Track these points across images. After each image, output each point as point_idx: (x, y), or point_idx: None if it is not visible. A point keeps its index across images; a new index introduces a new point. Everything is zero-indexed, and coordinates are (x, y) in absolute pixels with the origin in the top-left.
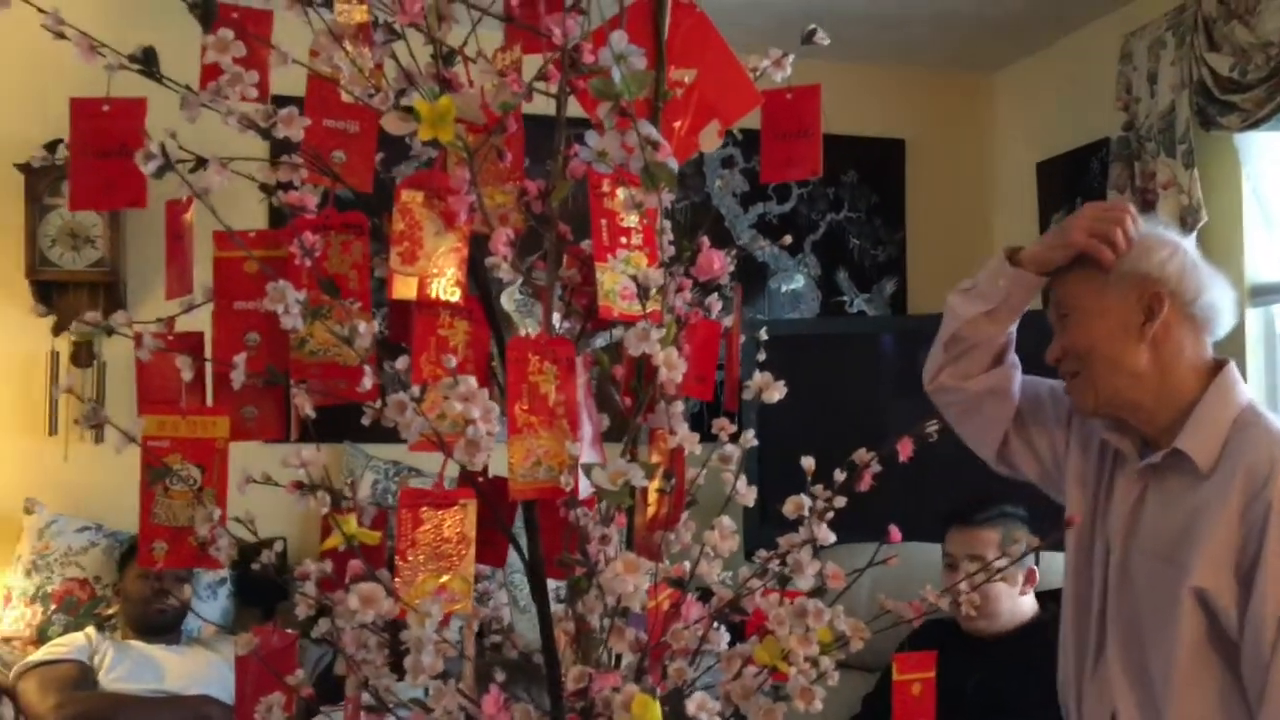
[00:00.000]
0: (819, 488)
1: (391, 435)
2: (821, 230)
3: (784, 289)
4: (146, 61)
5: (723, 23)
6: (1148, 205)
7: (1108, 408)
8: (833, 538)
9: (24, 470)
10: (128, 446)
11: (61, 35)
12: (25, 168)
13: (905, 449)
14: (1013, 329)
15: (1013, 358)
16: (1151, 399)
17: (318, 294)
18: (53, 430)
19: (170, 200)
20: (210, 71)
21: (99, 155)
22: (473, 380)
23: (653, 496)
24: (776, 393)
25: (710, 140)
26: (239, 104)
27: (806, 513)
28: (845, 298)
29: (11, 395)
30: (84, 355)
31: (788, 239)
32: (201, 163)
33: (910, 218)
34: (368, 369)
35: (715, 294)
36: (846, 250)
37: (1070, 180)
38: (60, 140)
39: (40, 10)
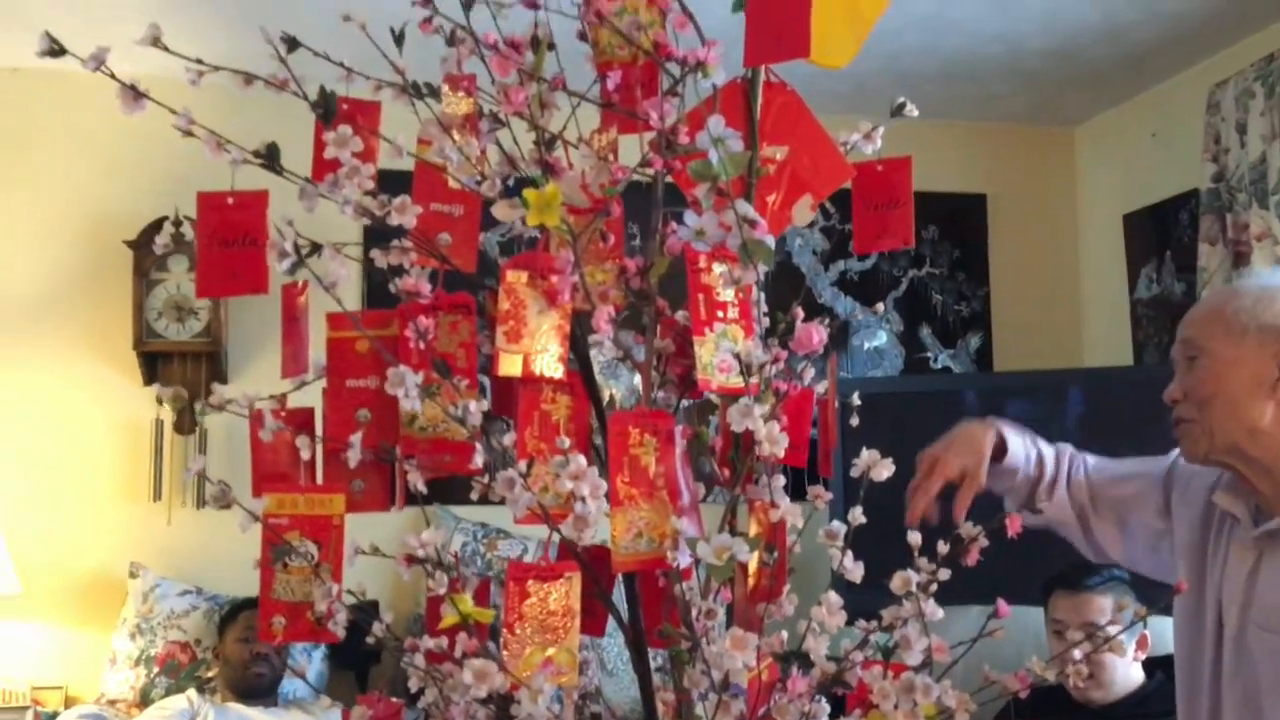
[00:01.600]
0: (923, 560)
1: (482, 498)
2: (903, 286)
3: (866, 346)
4: (270, 156)
5: (805, 89)
6: (1241, 257)
7: (1219, 457)
8: (940, 614)
9: (129, 535)
10: (230, 513)
11: (190, 133)
12: (134, 244)
13: (1014, 525)
14: (1022, 468)
15: (1061, 479)
16: (1270, 458)
17: (429, 372)
18: (156, 495)
19: (286, 284)
20: (325, 164)
21: (223, 245)
22: (582, 459)
23: (754, 569)
24: (885, 470)
25: (803, 214)
26: (354, 193)
27: (914, 588)
28: (929, 354)
29: (118, 462)
30: (186, 422)
31: (879, 308)
32: (316, 248)
33: (994, 272)
34: (478, 445)
35: (807, 362)
36: (929, 306)
37: (1159, 232)
38: (165, 218)
39: (171, 111)
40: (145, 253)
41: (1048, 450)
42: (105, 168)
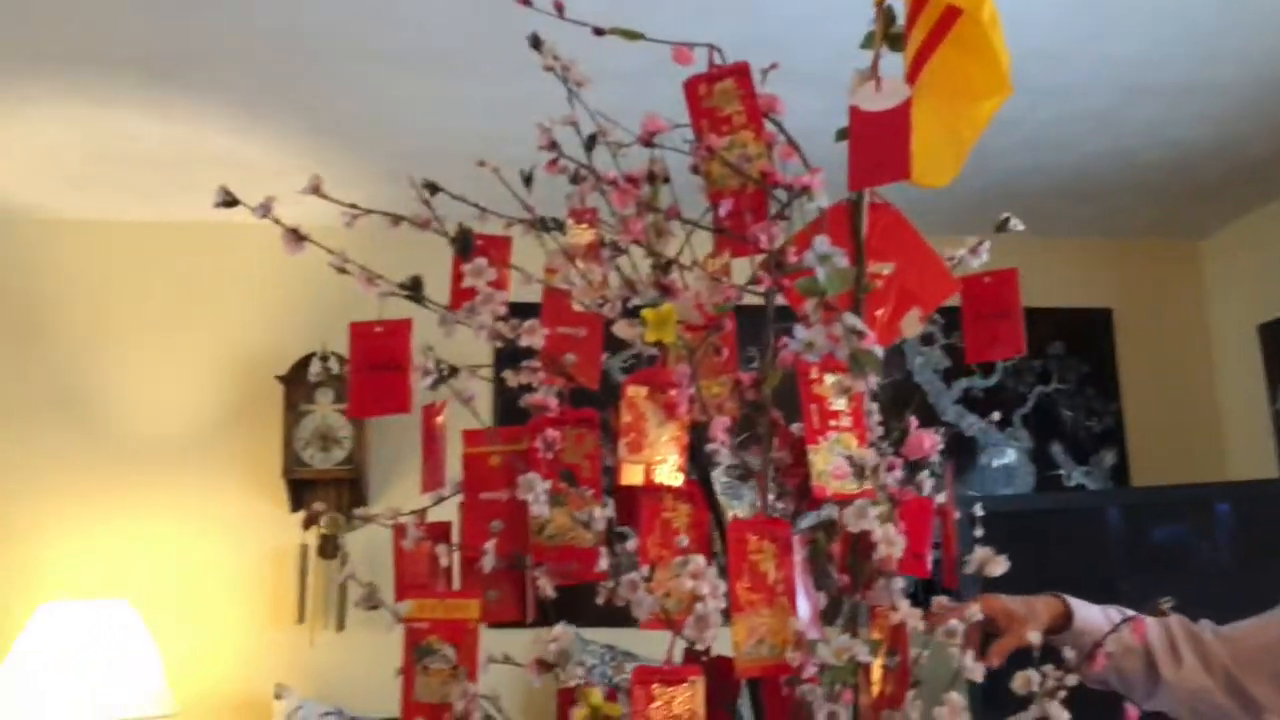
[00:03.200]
0: (1049, 666)
1: (608, 619)
2: (1030, 403)
3: (995, 464)
4: (414, 288)
5: (916, 210)
6: None
7: None
8: (1066, 716)
9: (274, 657)
10: (371, 636)
11: (344, 270)
12: (285, 378)
13: (1139, 630)
14: (1102, 625)
15: (1181, 642)
16: None
17: (557, 483)
18: (301, 618)
19: (426, 405)
20: (462, 294)
21: (372, 369)
22: (700, 559)
23: (877, 674)
24: (999, 567)
25: (912, 327)
26: (488, 319)
27: (1035, 688)
28: (1061, 471)
29: (265, 586)
30: (330, 548)
31: (995, 415)
32: (454, 371)
33: (1125, 387)
34: (603, 550)
35: (925, 471)
36: (1059, 422)
37: None
38: (314, 353)
39: (329, 251)
40: (295, 386)
41: (1147, 618)
42: (259, 310)
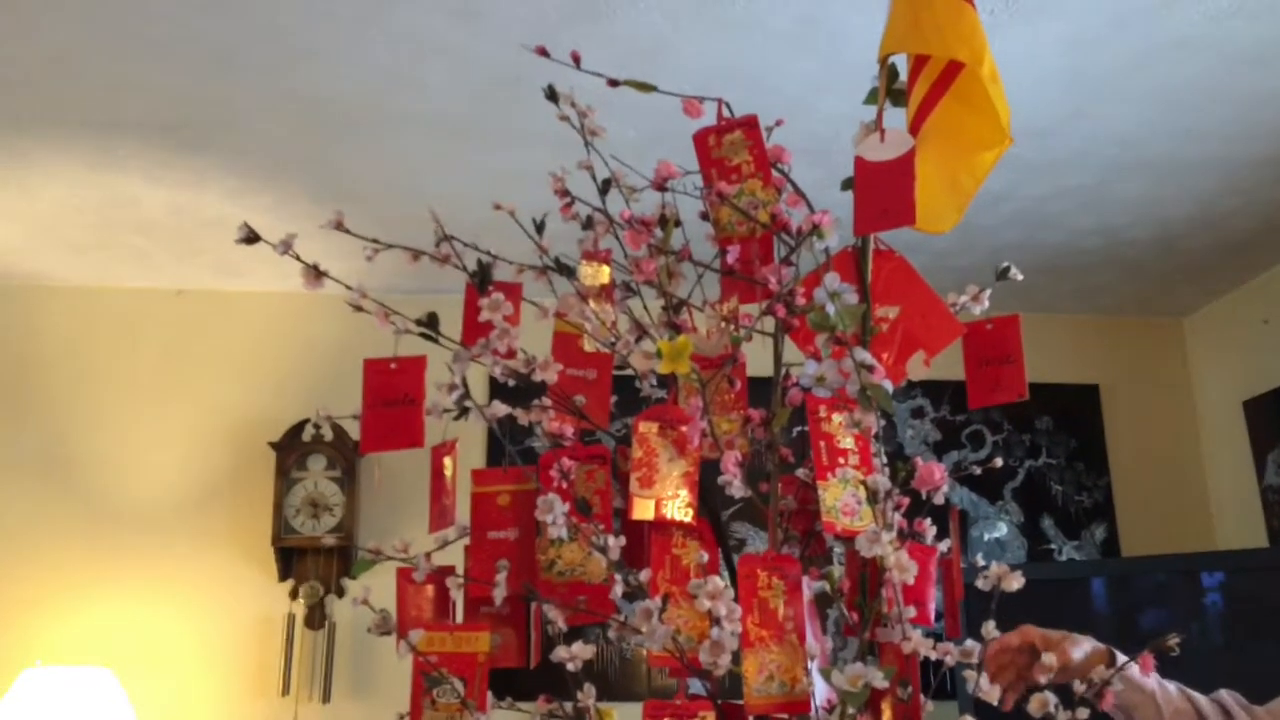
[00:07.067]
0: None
1: (613, 695)
2: (1020, 477)
3: (987, 537)
4: (430, 325)
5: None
6: None
7: None
8: None
9: None
10: (357, 709)
11: (360, 308)
12: (277, 445)
13: (1146, 664)
14: (1158, 691)
15: (1238, 714)
16: None
17: (573, 508)
18: (285, 690)
19: (436, 445)
20: (474, 330)
21: (385, 405)
22: (719, 580)
23: (888, 715)
24: (1015, 582)
25: (917, 369)
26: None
27: (1052, 709)
28: (1053, 545)
29: (251, 656)
30: (317, 618)
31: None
32: (464, 411)
33: (1114, 462)
34: (618, 576)
35: (929, 519)
36: (1049, 497)
37: None
38: (307, 420)
39: (348, 287)
40: (287, 453)
41: (1197, 694)
42: (252, 377)
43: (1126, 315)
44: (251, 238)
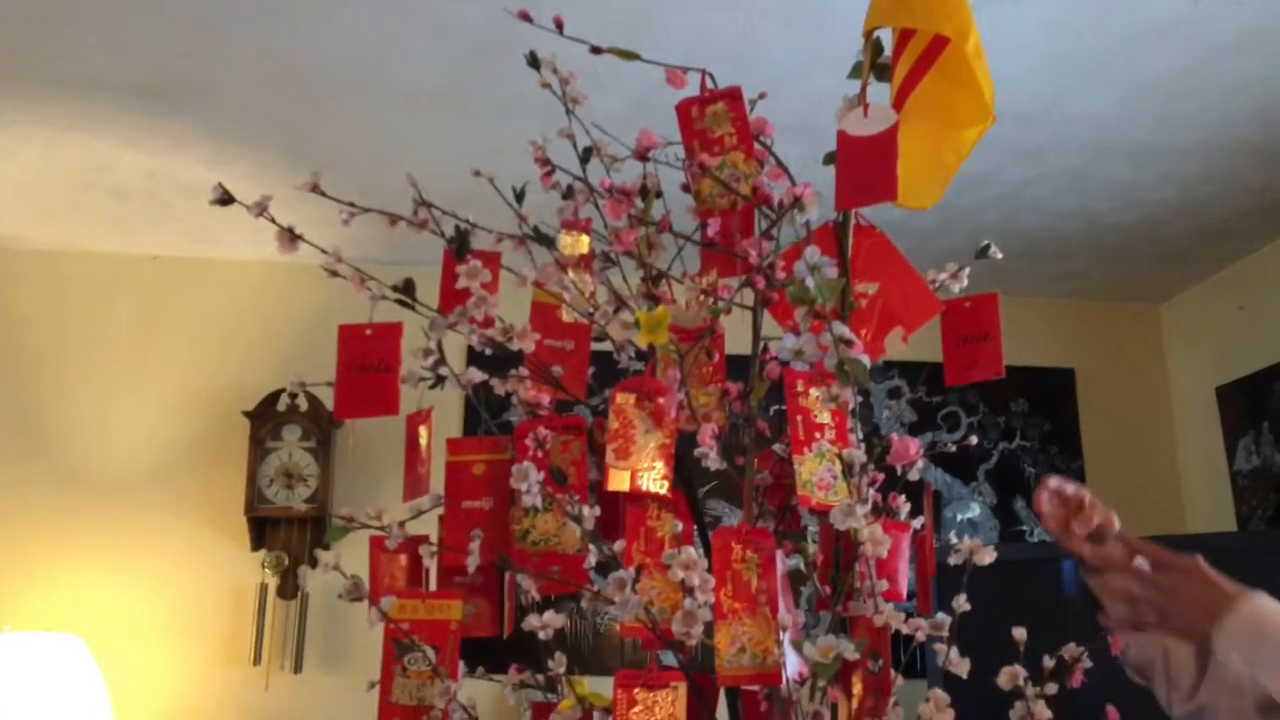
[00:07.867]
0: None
1: (587, 669)
2: (994, 459)
3: (960, 518)
4: (407, 291)
5: None
6: None
7: None
8: (1049, 714)
9: (229, 698)
10: (329, 680)
11: (336, 273)
12: (252, 414)
13: (1116, 644)
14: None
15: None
16: None
17: (548, 478)
18: (256, 660)
19: (411, 414)
20: (452, 298)
21: (360, 371)
22: (693, 550)
23: (858, 688)
24: (987, 556)
25: (895, 345)
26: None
27: (1021, 682)
28: (1025, 526)
29: (222, 626)
30: (289, 588)
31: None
32: (440, 380)
33: (1087, 445)
34: (592, 546)
35: (904, 496)
36: (1022, 479)
37: (1254, 404)
38: (283, 389)
39: (323, 251)
40: (262, 422)
41: None
42: (227, 345)
43: (1103, 300)
44: (226, 199)
